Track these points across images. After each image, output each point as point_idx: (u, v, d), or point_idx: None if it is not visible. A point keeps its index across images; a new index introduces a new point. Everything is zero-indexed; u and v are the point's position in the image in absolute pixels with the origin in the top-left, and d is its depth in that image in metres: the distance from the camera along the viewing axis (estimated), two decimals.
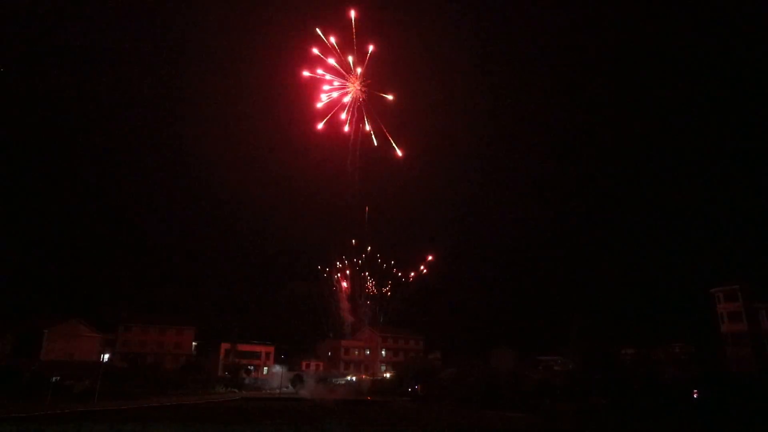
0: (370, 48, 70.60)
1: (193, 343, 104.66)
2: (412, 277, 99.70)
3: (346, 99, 73.50)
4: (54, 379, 67.48)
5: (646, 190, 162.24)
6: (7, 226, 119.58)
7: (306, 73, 72.19)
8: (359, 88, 73.36)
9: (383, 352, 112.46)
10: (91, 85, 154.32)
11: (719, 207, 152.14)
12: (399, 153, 74.70)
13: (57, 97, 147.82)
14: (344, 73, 72.43)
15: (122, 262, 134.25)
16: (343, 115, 74.84)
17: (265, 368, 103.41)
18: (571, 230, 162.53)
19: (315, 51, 71.34)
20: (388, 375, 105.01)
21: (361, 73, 73.16)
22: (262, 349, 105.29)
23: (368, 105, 74.73)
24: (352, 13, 68.06)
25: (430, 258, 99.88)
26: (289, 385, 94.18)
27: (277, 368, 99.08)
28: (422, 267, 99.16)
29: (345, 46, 71.20)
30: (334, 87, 73.40)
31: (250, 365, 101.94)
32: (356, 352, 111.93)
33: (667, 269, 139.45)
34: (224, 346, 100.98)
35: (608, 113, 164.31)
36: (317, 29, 70.39)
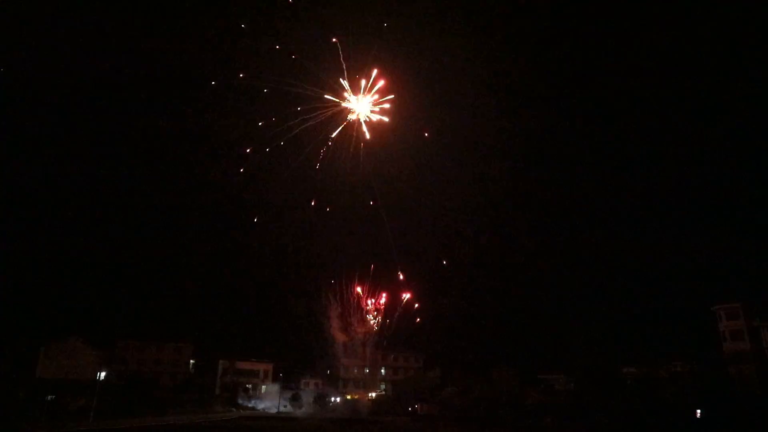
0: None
1: (191, 361, 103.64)
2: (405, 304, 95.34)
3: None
4: (49, 397, 66.75)
5: (648, 207, 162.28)
6: (2, 242, 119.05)
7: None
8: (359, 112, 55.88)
9: (382, 370, 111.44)
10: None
11: (721, 224, 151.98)
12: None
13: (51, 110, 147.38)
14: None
15: (120, 278, 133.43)
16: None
17: (263, 386, 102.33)
18: (573, 248, 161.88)
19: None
20: (387, 393, 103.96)
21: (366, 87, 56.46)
22: (260, 366, 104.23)
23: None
24: None
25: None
26: (287, 404, 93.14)
27: (272, 387, 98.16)
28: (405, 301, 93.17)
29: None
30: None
31: (248, 383, 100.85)
32: (355, 370, 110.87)
33: (668, 287, 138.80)
34: (222, 363, 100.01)
35: (612, 131, 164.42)
36: None
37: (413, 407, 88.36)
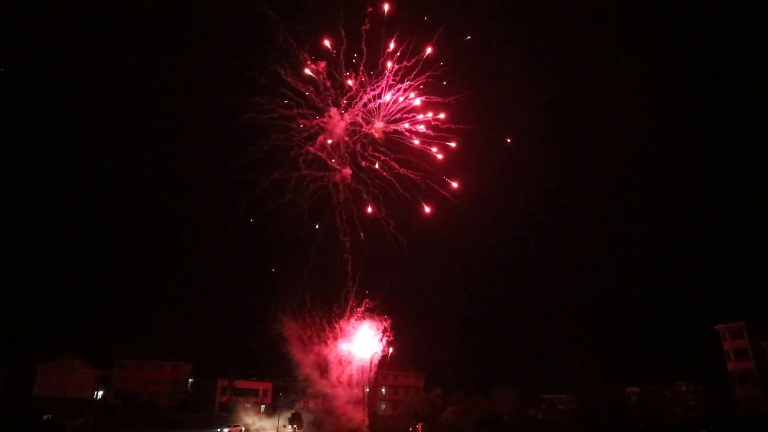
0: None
1: (190, 380, 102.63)
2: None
3: None
4: (46, 416, 65.99)
5: (650, 226, 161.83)
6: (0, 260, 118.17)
7: None
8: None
9: (383, 390, 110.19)
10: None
11: (724, 243, 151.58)
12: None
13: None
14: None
15: (118, 296, 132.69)
16: None
17: (262, 406, 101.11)
18: (576, 267, 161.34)
19: None
20: (387, 413, 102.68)
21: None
22: (259, 386, 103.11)
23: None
24: None
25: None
26: (287, 424, 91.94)
27: (271, 407, 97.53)
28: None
29: None
30: None
31: (248, 403, 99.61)
32: (355, 390, 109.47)
33: (672, 306, 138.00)
34: (221, 382, 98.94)
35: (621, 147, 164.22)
36: None
37: (414, 428, 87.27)
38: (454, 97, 68.68)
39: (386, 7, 63.64)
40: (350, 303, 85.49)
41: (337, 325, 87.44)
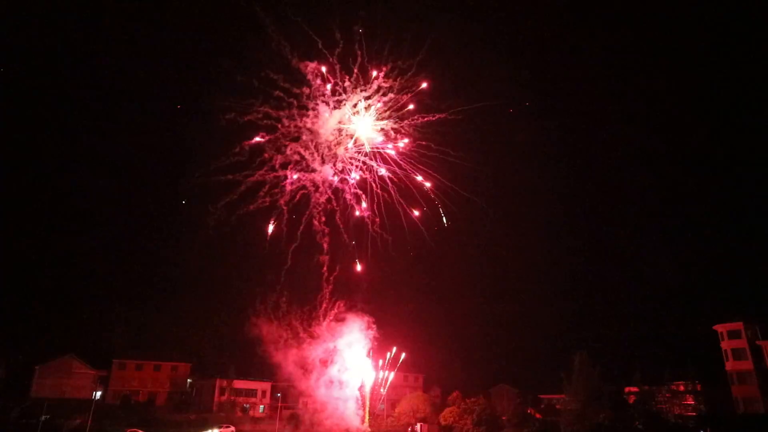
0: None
1: (188, 380, 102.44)
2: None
3: None
4: (44, 417, 65.77)
5: (649, 226, 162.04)
6: None
7: None
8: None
9: (382, 390, 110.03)
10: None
11: (722, 243, 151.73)
12: None
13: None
14: None
15: (117, 296, 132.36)
16: None
17: (261, 406, 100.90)
18: (574, 267, 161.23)
19: None
20: (386, 413, 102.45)
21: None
22: (258, 386, 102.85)
23: None
24: None
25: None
26: (286, 425, 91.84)
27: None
28: None
29: None
30: None
31: (246, 402, 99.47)
32: (354, 390, 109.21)
33: (671, 306, 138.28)
34: (219, 382, 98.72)
35: (608, 155, 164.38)
36: None
37: (413, 427, 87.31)
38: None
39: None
40: (325, 305, 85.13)
41: (322, 325, 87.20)
